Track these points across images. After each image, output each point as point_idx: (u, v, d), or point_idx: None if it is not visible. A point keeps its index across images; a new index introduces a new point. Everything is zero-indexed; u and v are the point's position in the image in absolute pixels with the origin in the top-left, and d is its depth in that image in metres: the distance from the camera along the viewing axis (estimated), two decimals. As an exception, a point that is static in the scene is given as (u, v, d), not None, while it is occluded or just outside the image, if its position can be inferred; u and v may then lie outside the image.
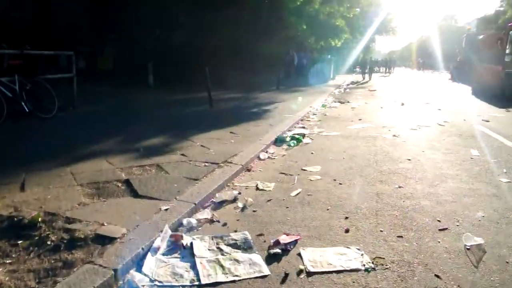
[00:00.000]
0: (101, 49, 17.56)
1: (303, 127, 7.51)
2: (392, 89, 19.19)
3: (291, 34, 16.39)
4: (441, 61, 73.36)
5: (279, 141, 6.08)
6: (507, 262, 2.49)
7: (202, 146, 5.32)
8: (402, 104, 11.81)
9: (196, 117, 8.14)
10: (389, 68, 38.16)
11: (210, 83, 9.63)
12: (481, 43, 19.83)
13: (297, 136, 6.33)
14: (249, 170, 4.54)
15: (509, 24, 14.12)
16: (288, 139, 6.20)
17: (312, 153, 5.44)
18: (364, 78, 24.96)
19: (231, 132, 6.39)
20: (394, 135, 6.76)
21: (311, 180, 4.19)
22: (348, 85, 21.46)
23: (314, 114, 9.44)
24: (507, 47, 13.27)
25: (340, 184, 4.08)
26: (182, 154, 4.80)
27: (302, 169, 4.61)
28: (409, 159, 5.12)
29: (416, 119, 8.80)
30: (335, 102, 12.37)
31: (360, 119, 8.61)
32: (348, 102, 12.43)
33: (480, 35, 23.88)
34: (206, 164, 4.39)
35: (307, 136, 6.59)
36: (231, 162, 4.52)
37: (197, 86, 15.14)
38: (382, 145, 6.03)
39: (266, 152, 5.39)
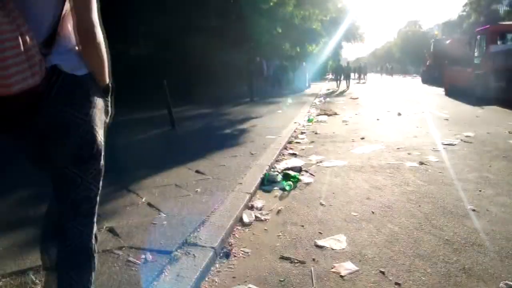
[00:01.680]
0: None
1: (295, 155, 5.63)
2: (374, 97, 17.68)
3: (264, 40, 14.56)
4: (409, 66, 74.32)
5: (267, 183, 4.16)
6: None
7: (149, 205, 3.33)
8: (399, 114, 10.17)
9: (151, 146, 6.14)
10: (362, 74, 36.98)
11: (170, 98, 7.66)
12: (449, 47, 21.38)
13: (291, 173, 4.42)
14: (227, 257, 2.58)
15: (476, 30, 15.32)
16: (279, 177, 4.29)
17: (321, 204, 3.54)
18: (338, 86, 23.23)
19: (197, 172, 4.43)
20: (421, 162, 4.96)
21: (341, 277, 2.29)
22: (326, 94, 19.85)
23: (302, 132, 7.58)
24: (475, 50, 14.42)
25: (399, 284, 2.19)
26: (110, 230, 2.79)
27: (316, 245, 2.70)
28: (474, 209, 3.31)
29: (429, 134, 7.10)
30: (321, 114, 10.59)
31: (362, 138, 6.81)
32: (336, 114, 10.68)
33: (447, 40, 26.15)
34: (149, 257, 2.40)
35: (305, 170, 4.70)
36: (195, 244, 2.56)
37: (159, 103, 13.17)
38: (415, 181, 4.20)
39: (252, 207, 3.46)
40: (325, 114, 10.68)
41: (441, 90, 18.66)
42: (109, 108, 1.50)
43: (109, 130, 1.60)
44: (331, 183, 4.19)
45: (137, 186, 3.83)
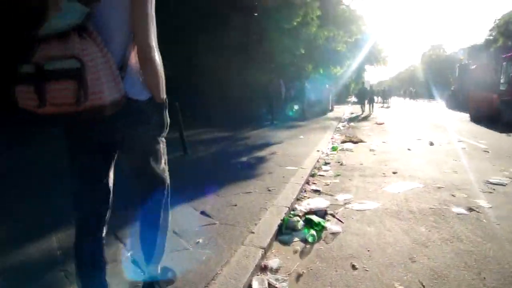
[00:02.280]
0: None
1: (318, 191, 4.90)
2: (400, 122, 16.79)
3: (287, 61, 13.97)
4: (433, 90, 72.99)
5: (286, 231, 3.45)
6: None
7: (134, 262, 2.64)
8: (431, 143, 9.31)
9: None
10: (386, 98, 35.95)
11: (183, 121, 7.07)
12: (474, 73, 21.20)
13: (315, 218, 3.68)
14: None
15: (503, 56, 15.22)
16: (300, 224, 3.56)
17: (354, 267, 2.80)
18: (363, 110, 22.22)
19: (202, 213, 3.75)
20: (471, 208, 4.16)
21: None
22: (349, 118, 19.06)
23: (326, 163, 6.84)
24: (502, 77, 14.39)
25: None
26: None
27: None
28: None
29: (470, 169, 6.26)
30: (345, 141, 9.82)
31: (394, 172, 6.02)
32: (362, 141, 9.89)
33: (473, 65, 25.82)
34: None
35: (331, 214, 3.96)
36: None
37: (173, 125, 12.70)
38: (468, 236, 3.40)
39: (265, 268, 2.74)
40: (351, 141, 9.90)
41: (466, 116, 18.10)
42: (166, 121, 1.83)
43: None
44: (363, 234, 3.43)
45: (127, 231, 3.16)
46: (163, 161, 1.97)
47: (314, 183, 5.36)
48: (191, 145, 7.95)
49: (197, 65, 14.52)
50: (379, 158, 7.41)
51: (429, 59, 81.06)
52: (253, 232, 3.21)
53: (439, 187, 5.07)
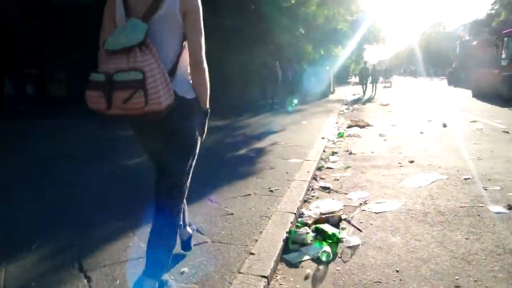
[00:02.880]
0: (53, 73, 14.22)
1: (328, 189, 4.25)
2: (405, 102, 16.10)
3: (285, 41, 13.14)
4: (434, 68, 71.90)
5: (293, 247, 2.81)
6: None
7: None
8: (444, 125, 8.63)
9: (138, 178, 4.83)
10: (387, 77, 34.92)
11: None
12: (475, 49, 21.52)
13: (327, 228, 3.02)
14: None
15: (503, 32, 15.29)
16: (310, 237, 2.92)
17: (383, 300, 2.17)
18: (365, 91, 21.00)
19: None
20: (511, 206, 3.51)
21: None
22: (352, 100, 18.32)
23: (333, 153, 6.17)
24: (503, 52, 14.46)
25: None
26: None
27: None
28: None
29: (495, 154, 5.61)
30: (351, 126, 9.14)
31: (411, 161, 5.36)
32: (369, 125, 9.21)
33: (473, 42, 25.98)
34: None
35: (346, 220, 3.32)
36: None
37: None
38: (520, 247, 2.76)
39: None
40: (357, 125, 9.22)
41: (468, 92, 18.18)
42: (205, 127, 2.05)
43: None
44: (388, 248, 2.79)
45: (89, 259, 2.52)
46: (189, 171, 2.08)
47: (322, 178, 4.72)
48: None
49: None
50: (391, 144, 6.74)
51: (429, 37, 79.71)
52: (252, 253, 2.57)
53: (466, 179, 4.42)
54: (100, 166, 5.15)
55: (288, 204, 3.56)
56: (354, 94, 21.92)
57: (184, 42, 1.88)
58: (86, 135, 7.90)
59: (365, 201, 3.81)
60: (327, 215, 3.32)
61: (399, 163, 5.32)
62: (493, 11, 58.01)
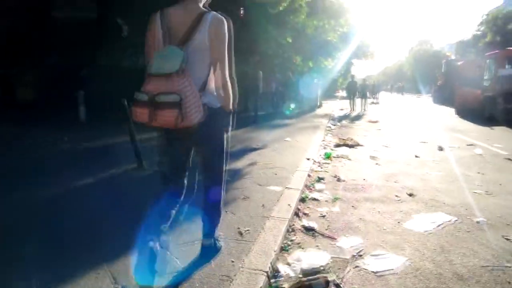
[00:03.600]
0: (20, 75, 13.17)
1: (312, 231, 3.41)
2: (394, 120, 15.48)
3: (271, 51, 12.33)
4: (420, 85, 72.50)
5: None
6: None
7: None
8: (440, 148, 7.92)
9: (81, 206, 3.92)
10: (375, 93, 34.07)
11: (132, 123, 5.52)
12: (460, 69, 22.04)
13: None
14: None
15: (486, 54, 16.20)
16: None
17: None
18: (353, 108, 19.91)
19: None
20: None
21: None
22: (340, 115, 17.61)
23: (320, 178, 5.35)
24: (485, 73, 15.08)
25: None
26: None
27: None
28: None
29: (505, 187, 4.86)
30: (339, 145, 8.37)
31: (410, 194, 4.58)
32: (359, 144, 8.45)
33: (459, 62, 26.62)
34: None
35: (335, 285, 2.47)
36: None
37: (124, 124, 11.14)
38: None
39: None
40: (345, 144, 8.45)
41: (452, 110, 18.84)
42: (232, 123, 2.45)
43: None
44: None
45: None
46: (225, 164, 2.51)
47: (306, 214, 3.88)
48: (150, 152, 6.42)
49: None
50: (385, 170, 5.96)
51: (416, 54, 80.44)
52: None
53: (479, 222, 3.63)
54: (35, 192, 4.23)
55: (260, 256, 2.71)
56: (342, 109, 21.27)
57: (212, 64, 2.25)
58: (42, 147, 6.94)
59: (359, 252, 2.98)
60: (309, 278, 2.47)
61: (397, 196, 4.52)
62: (479, 32, 58.76)
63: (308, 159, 6.47)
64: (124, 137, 8.57)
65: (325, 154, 7.13)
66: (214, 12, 2.20)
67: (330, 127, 12.27)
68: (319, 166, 6.23)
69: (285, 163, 6.03)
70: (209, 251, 2.62)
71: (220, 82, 2.31)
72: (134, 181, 4.90)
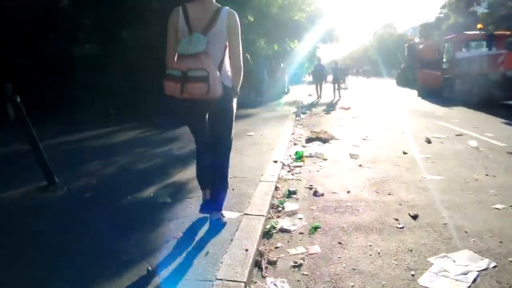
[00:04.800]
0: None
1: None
2: (367, 105, 14.40)
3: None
4: (383, 68, 72.79)
5: None
6: None
7: None
8: (428, 141, 6.79)
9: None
10: (343, 78, 32.75)
11: (30, 124, 4.07)
12: (422, 52, 22.22)
13: None
14: None
15: (444, 38, 17.34)
16: None
17: None
18: (319, 95, 18.17)
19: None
20: None
21: None
22: (309, 102, 16.40)
23: (291, 193, 4.04)
24: (444, 56, 15.67)
25: None
26: None
27: None
28: None
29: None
30: (312, 139, 7.13)
31: (414, 216, 3.34)
32: (334, 137, 7.24)
33: (420, 45, 26.82)
34: None
35: None
36: None
37: (86, 114, 9.58)
38: None
39: None
40: (318, 138, 7.22)
41: (414, 92, 19.43)
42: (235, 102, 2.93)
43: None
44: None
45: None
46: (232, 133, 2.98)
47: (272, 263, 2.57)
48: (68, 163, 4.98)
49: (111, 40, 11.33)
50: (371, 174, 4.73)
51: (381, 37, 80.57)
52: None
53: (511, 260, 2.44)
54: None
55: None
56: (310, 95, 20.08)
57: (226, 49, 2.73)
58: None
59: None
60: None
61: (396, 219, 3.28)
62: (441, 15, 59.07)
63: (275, 161, 5.17)
64: (56, 138, 7.04)
65: (296, 153, 5.85)
66: (227, 7, 2.69)
67: (299, 116, 11.01)
68: (289, 171, 4.94)
69: (246, 169, 4.71)
70: (215, 224, 2.93)
71: (234, 67, 2.77)
72: (34, 212, 3.43)
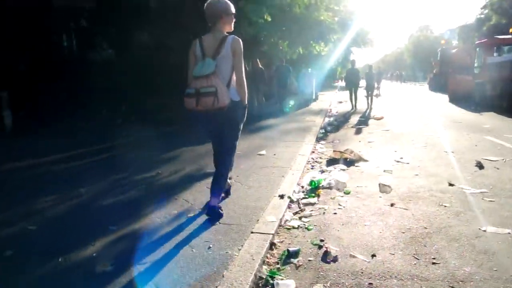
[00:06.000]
0: None
1: None
2: (401, 115, 12.86)
3: (245, 35, 9.44)
4: (421, 72, 69.90)
5: None
6: None
7: None
8: (480, 166, 5.42)
9: None
10: (378, 83, 29.59)
11: None
12: (454, 56, 22.53)
13: None
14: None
15: (476, 42, 17.02)
16: None
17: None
18: (355, 105, 15.33)
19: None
20: None
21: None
22: (337, 111, 14.98)
23: (290, 255, 2.85)
24: (475, 61, 15.48)
25: None
26: None
27: None
28: None
29: None
30: (334, 160, 5.92)
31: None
32: (362, 158, 6.00)
33: (453, 49, 27.29)
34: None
35: None
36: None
37: (90, 124, 8.81)
38: None
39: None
40: (342, 156, 6.00)
41: (445, 97, 19.16)
42: (245, 114, 3.50)
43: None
44: None
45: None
46: (236, 142, 3.54)
47: None
48: (20, 195, 4.02)
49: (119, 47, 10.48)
50: (407, 223, 3.47)
51: (416, 40, 77.83)
52: None
53: None
54: None
55: None
56: (341, 102, 18.70)
57: (233, 69, 3.32)
58: None
59: None
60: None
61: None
62: (482, 16, 55.91)
63: (281, 196, 4.03)
64: (37, 158, 6.20)
65: (311, 183, 4.65)
66: (233, 35, 3.33)
67: (324, 128, 9.75)
68: (296, 213, 3.77)
69: (240, 208, 3.61)
70: (212, 212, 3.41)
71: (238, 82, 3.34)
72: None
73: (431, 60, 41.47)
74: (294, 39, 12.31)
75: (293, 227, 3.40)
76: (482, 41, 15.82)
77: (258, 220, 3.37)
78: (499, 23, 45.79)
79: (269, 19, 9.33)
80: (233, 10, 3.40)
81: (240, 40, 3.30)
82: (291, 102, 14.13)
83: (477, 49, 15.53)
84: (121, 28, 11.24)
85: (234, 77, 3.33)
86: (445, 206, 3.84)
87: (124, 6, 9.94)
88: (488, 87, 13.62)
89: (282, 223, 3.46)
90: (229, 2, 3.38)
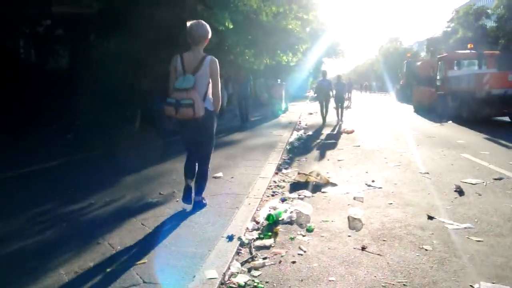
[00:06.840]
0: None
1: None
2: (372, 128, 12.40)
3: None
4: (391, 83, 71.18)
5: None
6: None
7: None
8: (461, 192, 4.85)
9: None
10: (349, 94, 28.90)
11: None
12: (419, 69, 23.36)
13: None
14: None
15: (438, 56, 17.82)
16: None
17: None
18: (325, 118, 13.93)
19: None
20: None
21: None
22: (306, 124, 14.37)
23: None
24: (437, 74, 16.14)
25: None
26: None
27: None
28: None
29: None
30: (298, 183, 5.23)
31: None
32: (329, 181, 5.33)
33: (417, 62, 28.06)
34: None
35: None
36: None
37: (37, 139, 7.87)
38: None
39: None
40: (308, 179, 5.33)
41: (411, 107, 19.90)
42: (216, 120, 4.07)
43: None
44: None
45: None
46: (211, 144, 4.11)
47: None
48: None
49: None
50: (381, 277, 2.79)
51: (386, 52, 79.41)
52: None
53: None
54: None
55: None
56: (311, 113, 18.18)
57: (209, 84, 3.83)
58: None
59: None
60: None
61: None
62: (449, 29, 57.33)
63: (230, 238, 3.27)
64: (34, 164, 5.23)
65: (268, 217, 3.93)
66: (210, 56, 3.81)
67: (292, 144, 9.08)
68: (246, 261, 3.02)
69: (176, 260, 2.82)
70: (198, 205, 4.12)
71: (214, 96, 3.90)
72: None
73: (398, 72, 43.18)
74: (261, 48, 11.64)
75: (239, 286, 2.65)
76: (444, 55, 16.71)
77: (194, 277, 2.60)
78: (465, 36, 46.99)
79: (231, 26, 8.62)
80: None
81: (217, 60, 3.82)
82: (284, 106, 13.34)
83: (439, 62, 16.21)
84: (79, 36, 10.34)
85: (209, 91, 3.85)
86: (426, 250, 3.18)
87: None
88: (449, 99, 14.32)
89: (226, 279, 2.71)
90: None
